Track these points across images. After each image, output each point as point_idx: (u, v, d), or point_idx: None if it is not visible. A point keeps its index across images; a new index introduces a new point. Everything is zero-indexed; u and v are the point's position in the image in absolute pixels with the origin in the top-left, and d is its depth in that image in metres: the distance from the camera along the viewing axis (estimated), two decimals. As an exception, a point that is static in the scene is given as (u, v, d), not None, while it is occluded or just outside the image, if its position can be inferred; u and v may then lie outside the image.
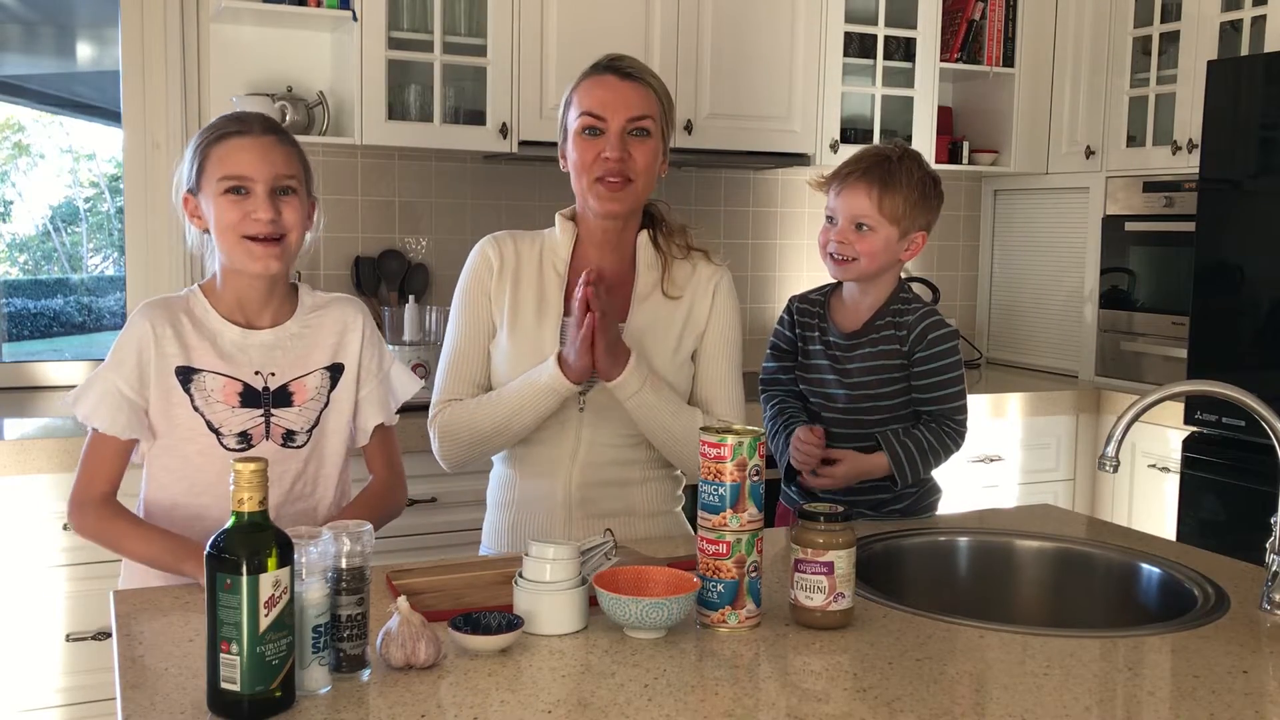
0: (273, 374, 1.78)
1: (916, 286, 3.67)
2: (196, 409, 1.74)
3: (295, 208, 1.75)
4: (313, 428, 1.80)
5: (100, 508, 1.73)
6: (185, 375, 1.74)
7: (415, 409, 2.02)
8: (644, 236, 1.98)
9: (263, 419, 1.76)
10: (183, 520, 1.74)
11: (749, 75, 3.42)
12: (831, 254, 2.12)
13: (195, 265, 3.21)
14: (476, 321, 1.97)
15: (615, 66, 1.91)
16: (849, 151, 3.55)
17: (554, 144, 2.01)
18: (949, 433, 2.11)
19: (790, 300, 2.29)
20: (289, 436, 1.78)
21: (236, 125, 1.75)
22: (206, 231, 1.76)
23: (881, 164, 2.08)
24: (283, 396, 1.78)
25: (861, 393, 2.12)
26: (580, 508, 1.93)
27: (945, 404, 2.11)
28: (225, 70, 3.19)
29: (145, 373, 1.73)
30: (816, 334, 2.21)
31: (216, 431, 1.74)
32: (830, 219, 2.12)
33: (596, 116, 1.87)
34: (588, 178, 1.88)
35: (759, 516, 1.49)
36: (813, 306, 2.24)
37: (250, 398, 1.76)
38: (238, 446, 1.74)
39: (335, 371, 1.83)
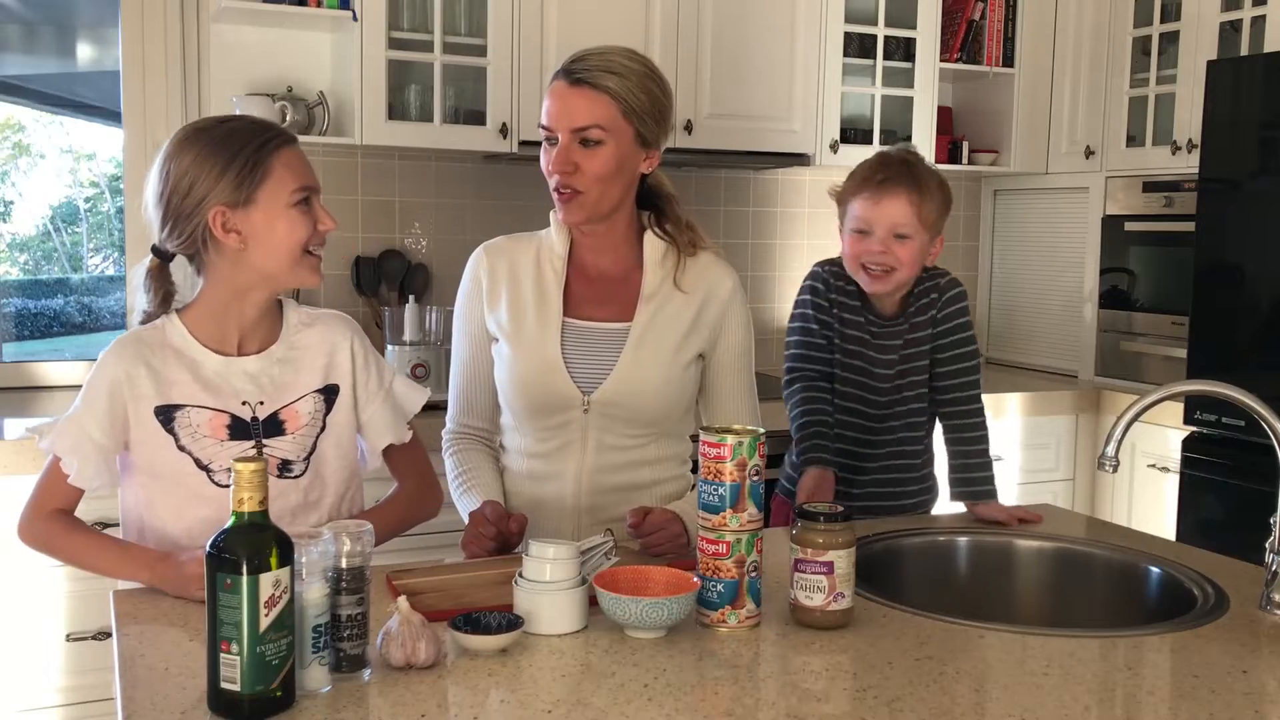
0: (260, 403, 1.68)
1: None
2: (183, 448, 1.65)
3: None
4: (310, 455, 1.71)
5: (54, 521, 1.66)
6: (166, 414, 1.64)
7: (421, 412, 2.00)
8: (650, 235, 1.94)
9: (254, 451, 1.67)
10: None
11: (749, 75, 3.42)
12: (867, 266, 2.04)
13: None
14: (474, 345, 1.98)
15: (568, 70, 1.85)
16: (849, 151, 3.61)
17: (554, 144, 1.99)
18: (982, 428, 2.12)
19: (817, 272, 2.13)
20: (285, 467, 1.69)
21: (280, 132, 1.67)
22: (242, 247, 1.63)
23: (911, 169, 2.01)
24: (274, 425, 1.68)
25: (907, 380, 2.09)
26: (589, 514, 1.93)
27: (968, 377, 2.09)
28: (225, 70, 3.19)
29: (118, 417, 1.65)
30: (860, 317, 2.10)
31: (206, 469, 1.65)
32: (861, 230, 2.02)
33: (547, 127, 1.85)
34: (550, 187, 1.87)
35: (759, 516, 1.49)
36: (849, 284, 2.10)
37: (239, 430, 1.66)
38: (229, 483, 1.60)
39: (329, 394, 1.74)
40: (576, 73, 1.83)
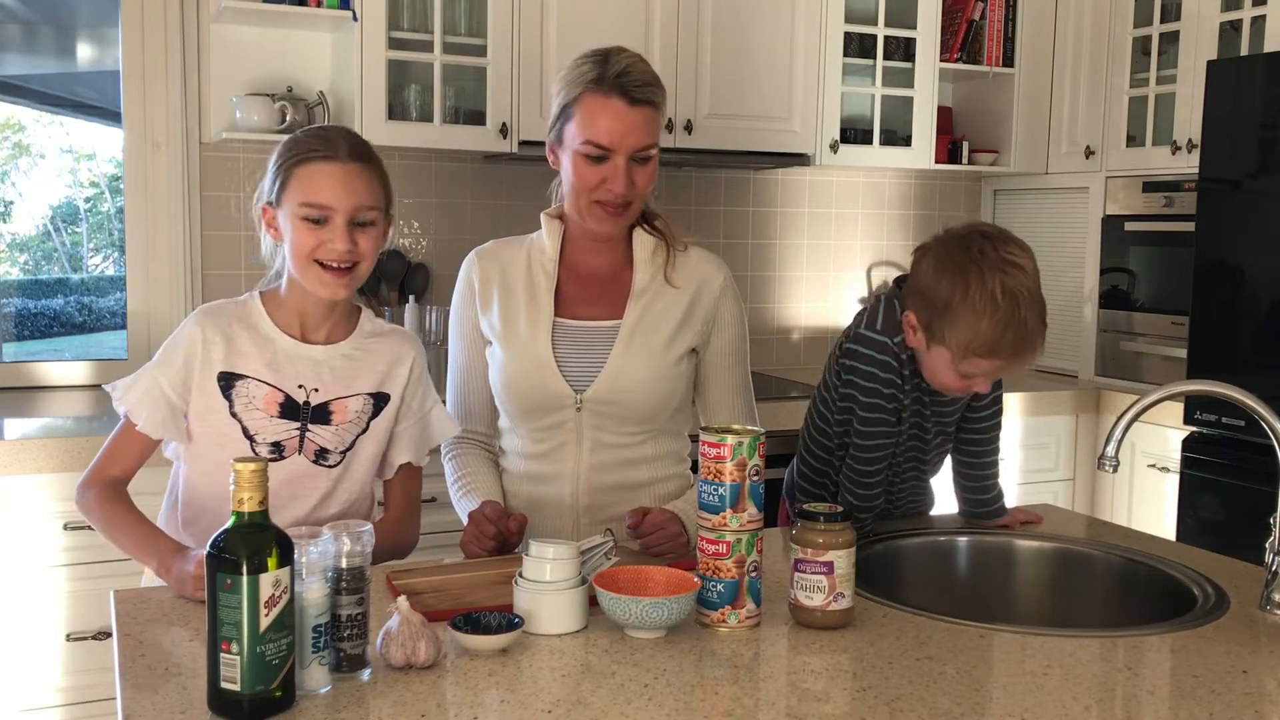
0: (315, 390, 1.77)
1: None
2: (234, 415, 1.74)
3: (372, 238, 1.73)
4: (347, 450, 1.79)
5: (105, 489, 1.73)
6: (227, 381, 1.74)
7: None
8: (639, 233, 1.95)
9: (298, 432, 1.75)
10: (216, 525, 1.71)
11: (749, 75, 3.42)
12: (951, 387, 1.93)
13: (196, 265, 3.22)
14: (470, 350, 1.99)
15: (623, 88, 1.78)
16: (849, 151, 3.62)
17: (554, 144, 1.98)
18: (998, 454, 2.10)
19: (886, 343, 1.92)
20: (322, 454, 1.77)
21: (323, 148, 1.72)
22: (280, 243, 1.76)
23: (1043, 328, 1.86)
24: (321, 414, 1.77)
25: (946, 442, 2.07)
26: (588, 514, 1.93)
27: (998, 422, 2.07)
28: (225, 70, 3.19)
29: (189, 377, 1.74)
30: (918, 391, 1.98)
31: (251, 438, 1.74)
32: (972, 376, 1.89)
33: (604, 146, 1.80)
34: (586, 198, 1.85)
35: (759, 516, 1.50)
36: (912, 358, 1.95)
37: (289, 410, 1.75)
38: (270, 456, 1.73)
39: (380, 400, 1.82)
40: (634, 92, 1.80)
